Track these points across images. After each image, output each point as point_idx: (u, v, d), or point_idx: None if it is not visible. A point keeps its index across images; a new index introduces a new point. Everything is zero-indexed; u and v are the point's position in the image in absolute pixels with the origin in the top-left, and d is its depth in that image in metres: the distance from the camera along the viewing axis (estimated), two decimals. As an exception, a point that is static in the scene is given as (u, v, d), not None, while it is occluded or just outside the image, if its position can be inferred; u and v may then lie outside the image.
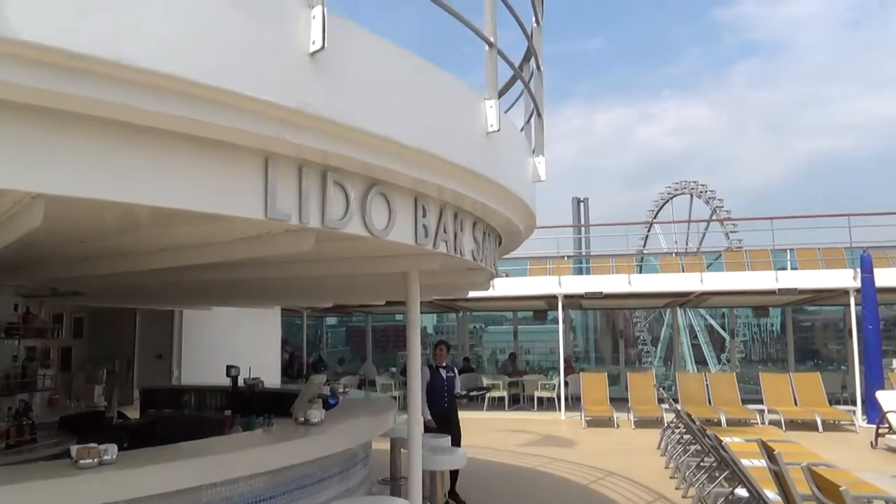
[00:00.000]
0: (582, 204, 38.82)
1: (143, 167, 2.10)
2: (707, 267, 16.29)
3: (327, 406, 5.46)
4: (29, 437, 5.62)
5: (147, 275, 4.37)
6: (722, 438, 6.69)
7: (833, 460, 7.18)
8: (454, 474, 6.93)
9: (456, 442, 6.99)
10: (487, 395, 15.02)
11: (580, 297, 15.46)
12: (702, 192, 30.35)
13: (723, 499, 6.17)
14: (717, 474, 6.91)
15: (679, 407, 9.94)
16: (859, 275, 13.34)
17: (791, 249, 16.28)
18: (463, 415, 7.71)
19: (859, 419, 12.92)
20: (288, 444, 4.01)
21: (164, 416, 7.61)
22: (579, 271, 18.03)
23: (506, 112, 4.41)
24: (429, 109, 3.00)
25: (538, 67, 4.63)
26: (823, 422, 12.40)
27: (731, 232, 25.97)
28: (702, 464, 7.54)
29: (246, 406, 6.94)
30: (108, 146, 2.00)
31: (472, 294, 6.97)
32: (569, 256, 18.98)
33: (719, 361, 29.58)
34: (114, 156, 2.03)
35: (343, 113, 2.45)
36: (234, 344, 10.27)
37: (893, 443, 8.66)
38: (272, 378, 10.61)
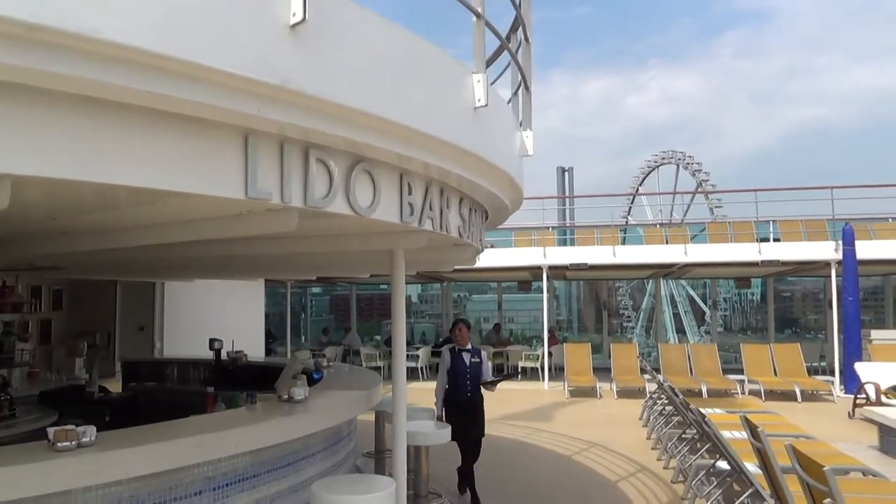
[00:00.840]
0: (567, 173, 38.81)
1: (117, 146, 2.00)
2: (691, 238, 16.35)
3: (311, 381, 5.43)
4: (8, 413, 5.54)
5: (127, 251, 4.27)
6: (704, 411, 6.75)
7: (811, 431, 7.29)
8: (469, 468, 6.32)
9: (477, 440, 6.37)
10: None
11: (565, 268, 15.47)
12: (688, 163, 30.45)
13: (704, 471, 6.24)
14: (698, 446, 6.99)
15: (662, 379, 10.03)
16: (841, 247, 13.46)
17: (774, 221, 16.34)
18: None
19: (837, 389, 13.16)
20: (271, 422, 3.95)
21: (147, 390, 7.56)
22: (564, 242, 18.01)
23: (492, 84, 4.31)
24: (415, 84, 2.90)
25: (526, 39, 4.50)
26: (802, 392, 12.61)
27: (717, 207, 26.10)
28: (683, 436, 7.62)
29: (229, 380, 6.91)
30: (78, 124, 1.90)
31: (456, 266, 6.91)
32: (553, 227, 18.97)
33: (699, 331, 30.03)
34: (85, 134, 1.92)
35: (325, 88, 2.35)
36: (217, 315, 10.21)
37: (870, 414, 8.81)
38: (256, 350, 10.57)
